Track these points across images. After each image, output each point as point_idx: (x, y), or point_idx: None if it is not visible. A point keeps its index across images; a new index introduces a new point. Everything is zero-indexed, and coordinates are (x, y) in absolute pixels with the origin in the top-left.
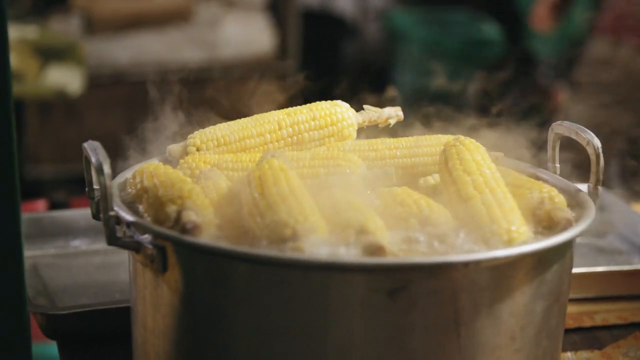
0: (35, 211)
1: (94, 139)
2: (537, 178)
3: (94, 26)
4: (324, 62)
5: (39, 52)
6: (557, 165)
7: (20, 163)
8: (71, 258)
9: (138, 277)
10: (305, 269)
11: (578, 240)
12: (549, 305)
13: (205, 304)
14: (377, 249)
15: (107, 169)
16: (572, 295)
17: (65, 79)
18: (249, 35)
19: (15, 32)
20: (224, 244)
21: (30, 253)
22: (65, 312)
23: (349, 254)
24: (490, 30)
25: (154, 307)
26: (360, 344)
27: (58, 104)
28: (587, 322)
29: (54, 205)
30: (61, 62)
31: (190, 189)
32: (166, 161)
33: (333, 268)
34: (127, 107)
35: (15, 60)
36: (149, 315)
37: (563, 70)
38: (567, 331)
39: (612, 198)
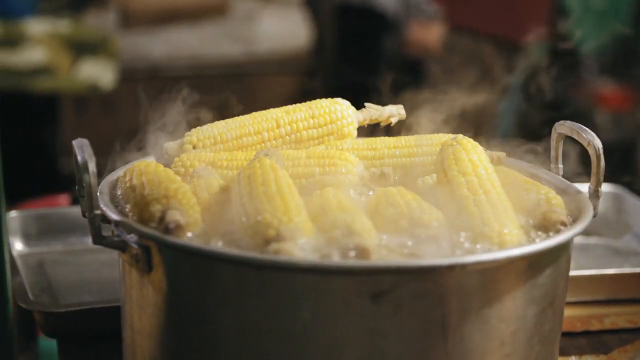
0: (57, 206)
1: (128, 133)
2: (539, 179)
3: (130, 20)
4: (362, 58)
5: (72, 46)
6: (560, 165)
7: (56, 156)
8: (78, 255)
9: (126, 277)
10: (286, 271)
11: (594, 241)
12: (542, 309)
13: (189, 304)
14: (362, 251)
15: (92, 167)
16: (581, 298)
17: (98, 73)
18: (285, 30)
19: (47, 26)
20: (206, 245)
21: (37, 250)
22: (62, 310)
23: (334, 255)
24: None
25: (140, 307)
26: (344, 348)
27: (94, 99)
28: (596, 326)
29: (76, 200)
30: (94, 57)
31: (177, 188)
32: (162, 159)
33: (313, 270)
34: (162, 101)
35: (47, 54)
36: (135, 316)
37: (608, 64)
38: (574, 335)
39: (630, 198)
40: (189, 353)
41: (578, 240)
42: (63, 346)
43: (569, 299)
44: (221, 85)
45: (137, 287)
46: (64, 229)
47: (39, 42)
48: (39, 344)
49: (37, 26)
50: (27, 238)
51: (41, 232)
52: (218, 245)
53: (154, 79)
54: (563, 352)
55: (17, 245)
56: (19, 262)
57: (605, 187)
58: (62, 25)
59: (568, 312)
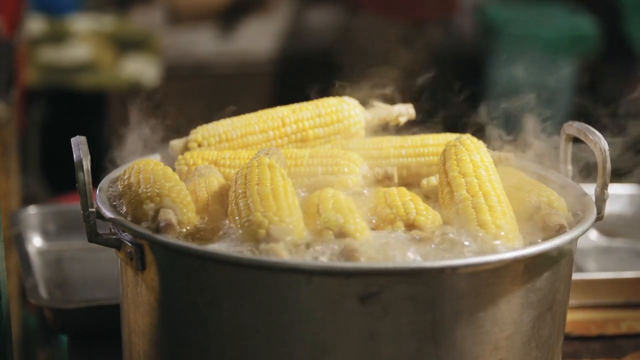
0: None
1: (175, 130)
2: (547, 180)
3: (176, 17)
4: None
5: (116, 43)
6: (569, 167)
7: (103, 152)
8: (96, 251)
9: (122, 275)
10: (274, 271)
11: (619, 243)
12: (540, 314)
13: (180, 303)
14: (351, 252)
15: (86, 164)
16: (598, 301)
17: (141, 70)
18: (330, 26)
19: (92, 22)
20: (195, 244)
21: (56, 246)
22: (70, 306)
23: (324, 256)
24: (586, 24)
25: (135, 305)
26: (331, 351)
27: (141, 95)
28: (612, 330)
29: None
30: (138, 53)
31: (171, 186)
32: (168, 157)
33: (301, 271)
34: (209, 98)
35: (91, 50)
36: (131, 314)
37: None
38: (588, 339)
39: None
40: (181, 352)
41: (602, 242)
42: (73, 342)
43: (585, 302)
44: (266, 83)
45: (132, 285)
46: (82, 225)
47: (83, 39)
48: (60, 340)
49: (82, 23)
50: (46, 234)
51: (60, 228)
52: (210, 244)
53: (200, 76)
54: (576, 356)
55: (36, 241)
56: (37, 258)
57: (633, 189)
58: (106, 22)
59: (584, 315)
